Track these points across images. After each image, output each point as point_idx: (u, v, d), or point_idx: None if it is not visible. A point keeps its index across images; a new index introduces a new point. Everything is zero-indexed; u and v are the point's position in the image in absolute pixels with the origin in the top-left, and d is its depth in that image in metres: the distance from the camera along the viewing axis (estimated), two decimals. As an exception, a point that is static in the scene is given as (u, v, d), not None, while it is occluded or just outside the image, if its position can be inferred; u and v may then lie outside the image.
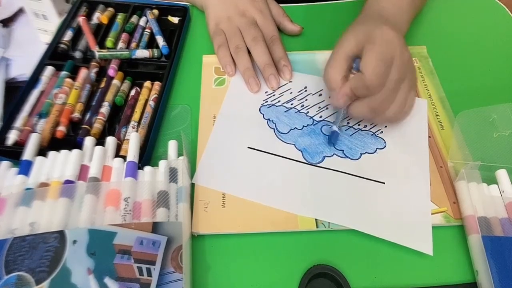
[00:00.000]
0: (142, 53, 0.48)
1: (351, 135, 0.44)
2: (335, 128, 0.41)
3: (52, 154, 0.37)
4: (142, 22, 0.52)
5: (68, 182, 0.35)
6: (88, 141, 0.39)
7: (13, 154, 0.38)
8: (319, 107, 0.46)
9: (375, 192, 0.39)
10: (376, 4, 0.46)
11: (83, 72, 0.46)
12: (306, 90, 0.48)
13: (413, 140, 0.43)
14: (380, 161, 0.42)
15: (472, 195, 0.37)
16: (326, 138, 0.43)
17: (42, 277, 0.29)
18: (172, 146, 0.40)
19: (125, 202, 0.34)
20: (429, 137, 0.44)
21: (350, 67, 0.40)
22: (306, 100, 0.47)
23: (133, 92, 0.45)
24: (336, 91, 0.39)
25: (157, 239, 0.32)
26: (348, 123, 0.44)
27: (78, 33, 0.51)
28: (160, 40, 0.50)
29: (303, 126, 0.44)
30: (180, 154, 0.40)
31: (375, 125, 0.44)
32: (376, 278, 0.35)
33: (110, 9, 0.54)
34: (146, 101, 0.45)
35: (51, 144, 0.40)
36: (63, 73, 0.45)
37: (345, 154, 0.42)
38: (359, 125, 0.44)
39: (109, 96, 0.44)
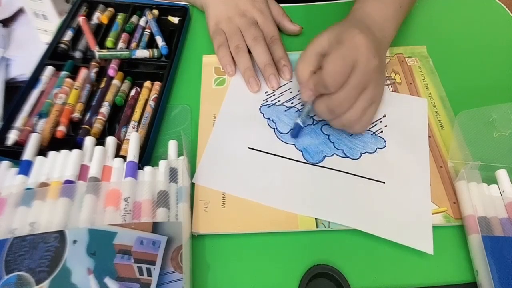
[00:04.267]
0: (142, 53, 0.48)
1: (351, 135, 0.43)
2: (298, 121, 0.41)
3: (52, 154, 0.37)
4: (142, 22, 0.52)
5: (68, 182, 0.35)
6: (88, 141, 0.39)
7: (13, 154, 0.38)
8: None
9: (376, 192, 0.39)
10: (361, 10, 0.45)
11: (83, 72, 0.46)
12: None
13: (413, 139, 0.43)
14: (380, 160, 0.42)
15: (472, 195, 0.37)
16: (327, 137, 0.43)
17: (42, 277, 0.29)
18: (172, 146, 0.40)
19: (125, 202, 0.34)
20: (429, 137, 0.44)
21: (320, 64, 0.39)
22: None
23: (133, 92, 0.45)
24: (303, 85, 0.40)
25: (157, 239, 0.32)
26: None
27: (78, 33, 0.51)
28: (159, 41, 0.50)
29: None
30: (180, 154, 0.40)
31: (375, 125, 0.44)
32: (376, 278, 0.35)
33: (110, 9, 0.54)
34: (146, 101, 0.45)
35: (51, 144, 0.40)
36: (63, 73, 0.45)
37: (345, 154, 0.42)
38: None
39: (109, 96, 0.44)
